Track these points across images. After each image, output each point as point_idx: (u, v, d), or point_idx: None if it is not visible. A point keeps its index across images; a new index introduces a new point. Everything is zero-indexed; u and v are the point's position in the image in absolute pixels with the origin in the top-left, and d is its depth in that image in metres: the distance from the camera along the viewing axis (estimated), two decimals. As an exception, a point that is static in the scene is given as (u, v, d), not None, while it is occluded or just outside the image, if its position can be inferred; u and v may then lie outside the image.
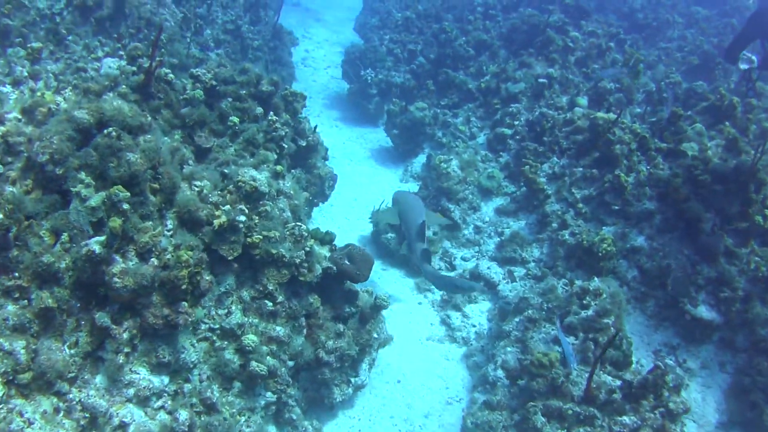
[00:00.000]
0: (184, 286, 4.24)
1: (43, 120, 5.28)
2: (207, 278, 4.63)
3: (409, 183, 10.27)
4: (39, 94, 5.57)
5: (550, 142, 9.16)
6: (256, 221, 5.19)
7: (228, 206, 4.96)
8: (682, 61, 12.53)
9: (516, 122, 9.79)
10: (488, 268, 8.10)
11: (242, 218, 4.92)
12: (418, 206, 6.98)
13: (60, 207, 4.45)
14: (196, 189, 5.23)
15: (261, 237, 5.09)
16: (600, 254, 7.60)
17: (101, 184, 4.52)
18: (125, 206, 4.23)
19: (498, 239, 8.69)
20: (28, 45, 6.68)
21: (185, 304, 4.33)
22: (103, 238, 4.03)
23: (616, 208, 8.23)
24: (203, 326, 4.93)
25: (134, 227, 4.27)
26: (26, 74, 6.35)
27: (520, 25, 11.86)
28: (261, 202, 5.45)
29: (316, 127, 7.77)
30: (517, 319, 7.28)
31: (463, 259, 8.58)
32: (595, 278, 7.42)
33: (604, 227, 8.23)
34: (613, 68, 9.54)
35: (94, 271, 4.09)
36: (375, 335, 6.38)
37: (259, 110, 6.79)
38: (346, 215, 9.47)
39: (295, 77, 11.84)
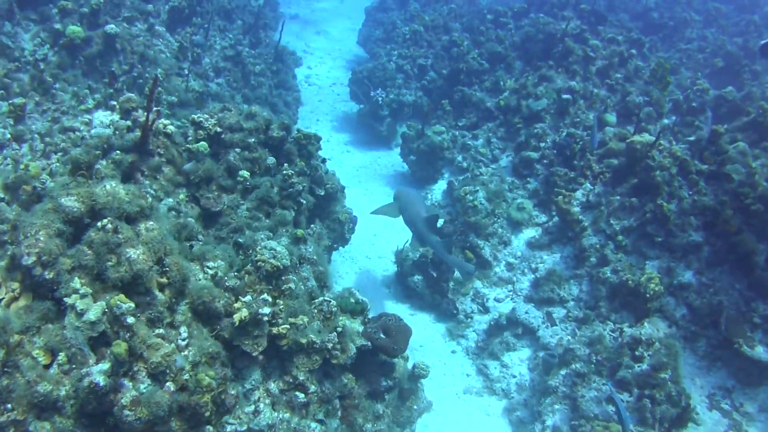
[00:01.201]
0: (207, 413, 3.59)
1: (28, 201, 4.62)
2: (232, 393, 3.98)
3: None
4: (23, 166, 4.90)
5: (581, 167, 8.49)
6: (281, 306, 4.53)
7: (249, 296, 4.30)
8: (704, 64, 11.85)
9: (542, 144, 9.12)
10: (526, 312, 7.46)
11: (266, 310, 4.27)
12: (419, 203, 7.14)
13: (54, 316, 3.80)
14: (210, 272, 4.57)
15: (287, 327, 4.44)
16: (647, 295, 6.97)
17: (100, 286, 3.86)
18: (130, 320, 3.58)
19: (532, 276, 8.06)
20: (10, 102, 6.00)
21: (210, 428, 3.68)
22: (107, 366, 3.38)
23: (659, 239, 7.59)
24: (228, 428, 4.29)
25: (143, 342, 3.61)
26: (8, 136, 5.66)
27: (535, 34, 11.16)
28: (284, 278, 4.79)
29: (325, 161, 7.10)
30: (563, 373, 6.66)
31: (497, 300, 7.94)
32: (646, 324, 6.81)
33: (646, 261, 7.59)
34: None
35: (101, 402, 3.45)
36: (415, 407, 5.76)
37: (271, 160, 6.12)
38: (367, 253, 8.82)
39: (300, 101, 11.15)
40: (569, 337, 7.24)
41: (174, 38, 9.65)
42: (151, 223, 4.06)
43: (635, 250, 7.75)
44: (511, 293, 8.02)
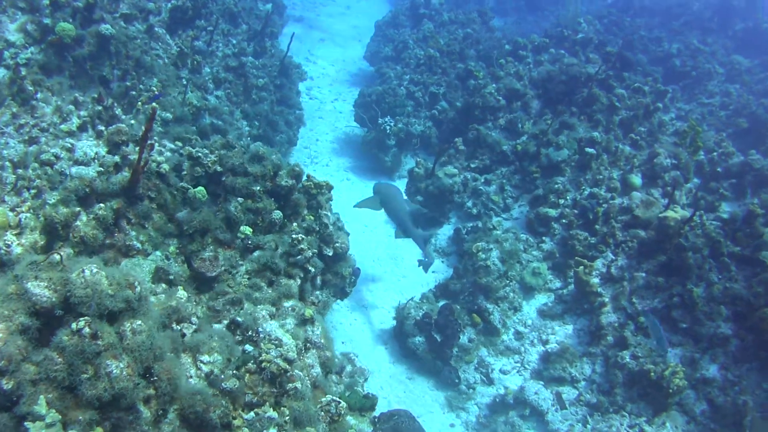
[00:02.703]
0: None
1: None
2: None
3: (434, 259, 8.92)
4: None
5: (604, 234, 7.91)
6: (286, 417, 3.79)
7: (252, 413, 3.55)
8: (727, 122, 11.42)
9: (561, 200, 8.52)
10: (536, 393, 6.84)
11: (272, 433, 3.53)
12: (399, 196, 7.62)
13: (8, 439, 3.00)
14: (204, 369, 3.80)
15: (292, 446, 3.71)
16: (670, 390, 6.43)
17: (71, 401, 3.07)
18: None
19: (542, 348, 7.46)
20: (-21, 120, 5.10)
21: None
22: None
23: (684, 326, 7.06)
24: None
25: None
26: (-26, 164, 4.77)
27: (557, 75, 10.55)
28: (289, 375, 4.05)
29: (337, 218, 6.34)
30: (574, 471, 6.08)
31: (503, 371, 7.31)
32: (668, 425, 6.27)
33: (668, 348, 7.05)
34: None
35: None
36: None
37: (277, 215, 5.35)
38: (365, 301, 8.10)
39: (303, 122, 10.33)
40: (580, 425, 6.67)
41: (174, 41, 8.74)
42: (139, 322, 3.27)
43: (656, 333, 7.21)
44: (518, 365, 7.40)
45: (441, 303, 7.85)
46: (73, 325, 3.07)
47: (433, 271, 8.72)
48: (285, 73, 10.14)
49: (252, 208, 5.34)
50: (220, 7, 10.04)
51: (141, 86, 7.27)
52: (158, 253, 4.88)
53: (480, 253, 7.69)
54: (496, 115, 10.31)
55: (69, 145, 5.20)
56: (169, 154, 6.93)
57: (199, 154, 5.58)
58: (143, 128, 4.47)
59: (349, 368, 6.53)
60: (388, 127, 9.96)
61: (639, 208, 7.98)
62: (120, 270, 3.43)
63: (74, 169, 4.61)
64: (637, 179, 8.70)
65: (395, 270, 8.66)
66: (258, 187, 5.39)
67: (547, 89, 10.71)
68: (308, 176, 5.84)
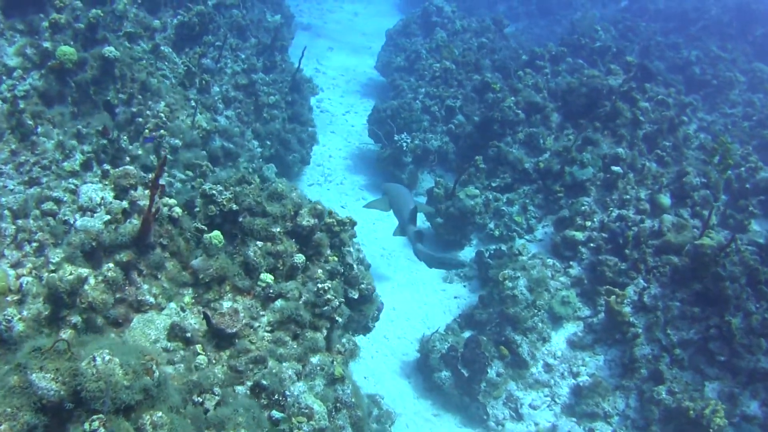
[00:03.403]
0: None
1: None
2: None
3: (455, 284, 8.59)
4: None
5: (635, 259, 7.55)
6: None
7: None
8: (751, 134, 11.04)
9: (588, 223, 8.16)
10: (569, 433, 6.51)
11: None
12: (407, 195, 7.64)
13: None
14: (230, 451, 3.46)
15: None
16: (710, 430, 6.08)
17: None
18: None
19: (572, 381, 7.12)
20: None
21: None
22: None
23: (722, 359, 6.71)
24: None
25: None
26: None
27: (578, 87, 10.16)
28: (319, 447, 3.71)
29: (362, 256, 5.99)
30: None
31: (532, 406, 6.97)
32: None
33: (705, 382, 6.71)
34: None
35: None
36: None
37: (300, 259, 4.99)
38: (385, 332, 7.75)
39: (316, 139, 9.97)
40: (617, 467, 6.33)
41: (181, 59, 8.38)
42: (160, 414, 2.93)
43: (692, 366, 6.87)
44: (548, 399, 7.06)
45: (466, 334, 7.53)
46: (86, 426, 2.73)
47: (455, 297, 8.40)
48: (296, 89, 9.79)
49: (272, 251, 4.99)
50: (228, 20, 9.69)
51: (148, 112, 6.93)
52: (173, 305, 4.54)
53: (507, 281, 7.34)
54: (515, 129, 9.95)
55: (73, 187, 4.86)
56: (179, 185, 6.61)
57: (213, 192, 5.22)
58: (153, 175, 4.12)
59: (375, 412, 6.20)
60: (404, 144, 9.61)
61: (671, 232, 7.63)
62: (135, 350, 3.08)
63: (79, 221, 4.26)
64: (666, 199, 8.34)
65: (416, 297, 8.32)
66: (278, 229, 5.04)
67: (568, 102, 10.34)
68: (330, 213, 5.48)
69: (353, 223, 5.67)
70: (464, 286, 8.58)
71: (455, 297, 8.39)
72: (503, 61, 11.62)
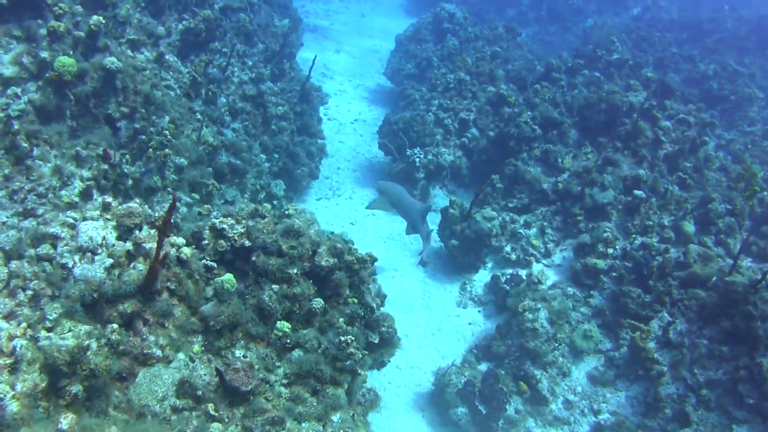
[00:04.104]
0: None
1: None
2: None
3: (469, 309, 8.25)
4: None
5: (660, 292, 7.24)
6: None
7: None
8: (771, 153, 10.75)
9: (610, 250, 7.83)
10: (592, 478, 6.20)
11: None
12: (407, 194, 7.58)
13: None
14: None
15: None
16: (743, 478, 5.80)
17: None
18: None
19: (593, 419, 6.81)
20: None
21: None
22: None
23: (752, 402, 6.41)
24: None
25: None
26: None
27: (596, 103, 9.82)
28: None
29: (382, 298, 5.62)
30: None
31: (551, 447, 6.67)
32: None
33: (733, 425, 6.42)
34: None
35: None
36: None
37: (318, 304, 4.63)
38: (398, 361, 7.39)
39: (325, 152, 9.57)
40: None
41: (186, 68, 7.95)
42: None
43: (719, 407, 6.56)
44: (568, 438, 6.76)
45: (483, 366, 7.21)
46: None
47: (469, 323, 8.06)
48: (306, 98, 9.37)
49: (288, 294, 4.62)
50: (235, 24, 9.24)
51: (152, 129, 6.50)
52: (181, 356, 4.17)
53: (527, 313, 7.01)
54: (531, 146, 9.59)
55: (71, 221, 4.45)
56: (185, 209, 6.21)
57: (224, 226, 4.85)
58: (161, 220, 3.72)
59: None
60: (417, 160, 9.23)
61: (697, 264, 7.32)
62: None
63: (78, 270, 3.86)
64: (690, 226, 8.04)
65: (429, 323, 7.97)
66: (295, 270, 4.66)
67: (585, 117, 9.99)
68: (350, 249, 5.11)
69: (373, 260, 5.31)
70: (479, 311, 8.24)
71: (469, 323, 8.05)
72: (518, 72, 11.25)
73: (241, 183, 7.57)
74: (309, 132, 9.29)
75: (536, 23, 16.75)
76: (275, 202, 8.07)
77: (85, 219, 4.38)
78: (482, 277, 8.54)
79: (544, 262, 8.40)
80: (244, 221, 4.97)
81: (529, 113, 9.72)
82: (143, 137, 6.34)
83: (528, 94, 10.29)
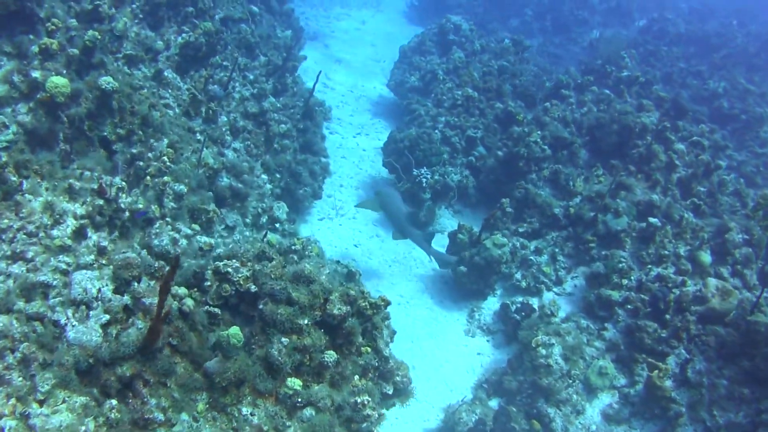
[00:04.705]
0: None
1: None
2: None
3: (477, 338, 7.96)
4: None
5: (676, 327, 6.98)
6: None
7: None
8: (785, 177, 10.54)
9: (624, 281, 7.56)
10: None
11: None
12: (398, 198, 7.82)
13: None
14: None
15: None
16: None
17: None
18: None
19: (608, 461, 6.55)
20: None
21: None
22: None
23: (776, 446, 6.17)
24: None
25: None
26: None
27: (608, 123, 9.56)
28: None
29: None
30: None
31: (564, 491, 6.39)
32: None
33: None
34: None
35: None
36: None
37: (331, 357, 4.31)
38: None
39: (329, 171, 9.24)
40: None
41: (186, 84, 7.60)
42: None
43: (740, 451, 6.33)
44: (581, 482, 6.49)
45: (494, 402, 6.93)
46: None
47: (478, 353, 7.78)
48: (309, 115, 9.03)
49: (298, 346, 4.30)
50: (236, 36, 8.89)
51: (149, 155, 6.14)
52: (185, 417, 3.85)
53: (540, 348, 6.72)
54: (540, 166, 9.31)
55: (64, 266, 4.11)
56: (184, 242, 5.86)
57: (228, 270, 4.53)
58: (163, 278, 3.39)
59: None
60: (424, 180, 8.93)
61: (715, 298, 7.06)
62: None
63: (72, 333, 3.52)
64: (707, 257, 7.79)
65: (436, 353, 7.67)
66: (305, 321, 4.34)
67: (596, 138, 9.74)
68: (362, 293, 4.79)
69: (387, 304, 5.00)
70: (487, 340, 7.95)
71: (478, 353, 7.77)
72: (525, 87, 10.97)
73: (243, 207, 7.22)
74: (312, 150, 8.95)
75: (540, 34, 16.47)
76: (277, 225, 7.74)
77: (78, 266, 4.03)
78: (491, 305, 8.25)
79: (555, 290, 8.13)
80: (249, 263, 4.65)
81: (539, 132, 9.44)
82: (140, 163, 5.99)
83: (537, 112, 10.02)
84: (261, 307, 4.40)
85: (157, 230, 5.64)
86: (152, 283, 3.92)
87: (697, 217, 8.52)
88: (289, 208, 8.32)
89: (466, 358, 7.72)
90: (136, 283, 3.91)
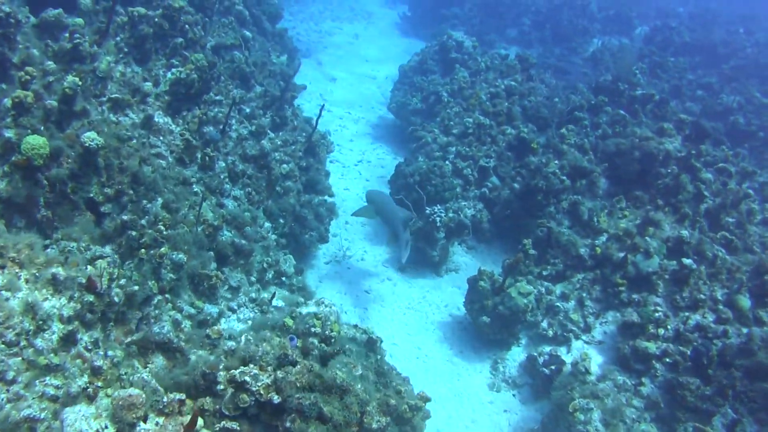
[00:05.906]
0: None
1: None
2: None
3: (503, 392, 7.38)
4: None
5: (721, 384, 6.46)
6: None
7: None
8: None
9: (661, 331, 7.03)
10: None
11: None
12: (392, 203, 7.78)
13: None
14: None
15: None
16: None
17: None
18: None
19: None
20: None
21: None
22: None
23: None
24: None
25: None
26: None
27: (629, 150, 9.03)
28: None
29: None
30: None
31: None
32: None
33: None
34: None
35: None
36: None
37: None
38: None
39: (335, 212, 8.54)
40: None
41: (178, 127, 6.85)
42: None
43: None
44: None
45: (528, 474, 6.35)
46: None
47: (505, 410, 7.19)
48: (312, 151, 8.34)
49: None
50: (229, 65, 8.14)
51: (143, 221, 5.42)
52: None
53: (578, 413, 6.16)
54: (559, 198, 8.74)
55: (52, 392, 3.40)
56: (188, 324, 5.16)
57: (246, 378, 3.86)
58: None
59: None
60: (438, 219, 8.30)
61: (762, 351, 6.55)
62: None
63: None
64: (746, 301, 7.28)
65: (460, 412, 7.07)
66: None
67: (616, 165, 9.19)
68: (400, 393, 4.15)
69: (426, 400, 4.36)
70: (513, 395, 7.37)
71: (505, 410, 7.18)
72: (536, 109, 10.38)
73: (247, 264, 6.53)
74: (316, 189, 8.27)
75: (540, 44, 15.92)
76: (284, 279, 7.06)
77: (69, 394, 3.33)
78: (515, 355, 7.67)
79: (584, 338, 7.56)
80: (268, 367, 3.98)
81: (556, 162, 8.87)
82: (133, 233, 5.26)
83: (551, 138, 9.45)
84: (288, 425, 3.74)
85: (156, 312, 4.94)
86: (161, 420, 3.25)
87: (730, 253, 8.03)
88: (295, 254, 7.65)
89: (492, 416, 7.13)
90: (141, 424, 3.23)
